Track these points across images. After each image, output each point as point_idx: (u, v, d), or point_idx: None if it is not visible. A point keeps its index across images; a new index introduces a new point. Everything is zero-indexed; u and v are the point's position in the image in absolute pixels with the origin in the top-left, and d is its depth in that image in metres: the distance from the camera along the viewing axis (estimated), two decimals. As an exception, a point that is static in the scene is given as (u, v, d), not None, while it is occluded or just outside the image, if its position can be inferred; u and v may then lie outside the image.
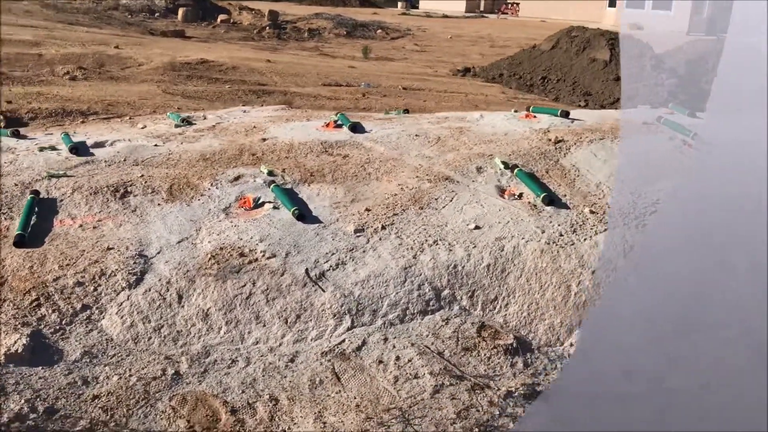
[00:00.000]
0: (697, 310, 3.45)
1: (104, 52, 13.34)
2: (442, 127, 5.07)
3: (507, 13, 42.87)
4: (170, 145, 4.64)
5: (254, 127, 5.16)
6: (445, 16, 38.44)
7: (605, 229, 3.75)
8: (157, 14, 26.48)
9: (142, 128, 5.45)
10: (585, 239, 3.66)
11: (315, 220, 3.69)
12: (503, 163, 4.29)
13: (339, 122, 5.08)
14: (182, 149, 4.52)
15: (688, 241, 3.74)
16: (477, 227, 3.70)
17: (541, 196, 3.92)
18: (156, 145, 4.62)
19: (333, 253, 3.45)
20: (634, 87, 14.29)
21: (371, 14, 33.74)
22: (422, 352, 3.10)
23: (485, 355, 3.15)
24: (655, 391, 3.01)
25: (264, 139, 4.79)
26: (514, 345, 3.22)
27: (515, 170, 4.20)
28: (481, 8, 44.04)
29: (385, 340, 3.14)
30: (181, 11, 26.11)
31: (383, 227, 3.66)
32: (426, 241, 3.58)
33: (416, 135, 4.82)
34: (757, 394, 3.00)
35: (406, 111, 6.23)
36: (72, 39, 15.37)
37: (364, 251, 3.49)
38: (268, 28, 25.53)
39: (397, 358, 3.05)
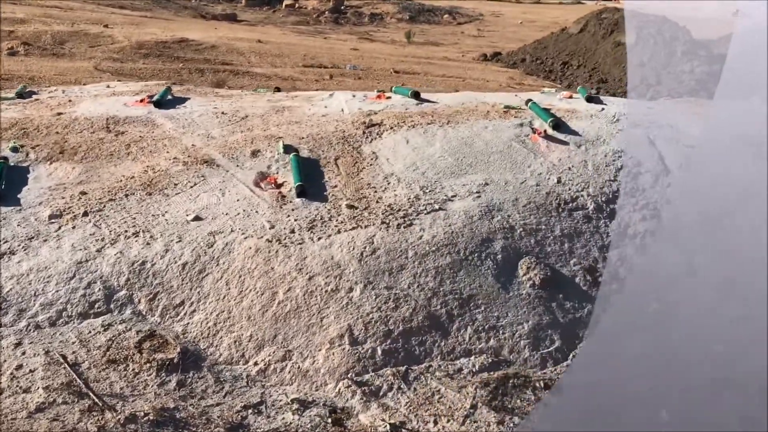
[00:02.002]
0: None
1: (86, 30, 13.53)
2: (269, 106, 4.66)
3: (611, -1, 40.40)
4: (-50, 117, 4.45)
5: (70, 101, 4.91)
6: (537, 2, 36.60)
7: (352, 228, 3.26)
8: (221, -2, 26.71)
9: (-22, 101, 5.30)
10: (320, 238, 3.20)
11: (15, 201, 3.38)
12: (285, 147, 3.85)
13: (154, 97, 4.75)
14: (-49, 121, 4.32)
15: (447, 251, 3.22)
16: (197, 218, 3.30)
17: (294, 186, 3.47)
18: (-69, 117, 4.44)
19: (6, 241, 3.14)
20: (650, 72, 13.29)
21: (457, -1, 32.39)
22: (53, 363, 2.74)
23: (133, 370, 2.77)
24: None
25: (59, 114, 4.53)
26: (176, 360, 2.81)
27: (291, 156, 3.75)
28: (583, -6, 41.45)
29: (17, 345, 2.80)
30: (244, -6, 26.33)
31: (86, 213, 3.31)
32: (126, 231, 3.22)
33: (223, 113, 4.43)
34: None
35: (278, 89, 5.83)
36: (70, 18, 15.72)
37: (45, 240, 3.16)
38: (327, 12, 25.58)
39: (19, 368, 2.71)
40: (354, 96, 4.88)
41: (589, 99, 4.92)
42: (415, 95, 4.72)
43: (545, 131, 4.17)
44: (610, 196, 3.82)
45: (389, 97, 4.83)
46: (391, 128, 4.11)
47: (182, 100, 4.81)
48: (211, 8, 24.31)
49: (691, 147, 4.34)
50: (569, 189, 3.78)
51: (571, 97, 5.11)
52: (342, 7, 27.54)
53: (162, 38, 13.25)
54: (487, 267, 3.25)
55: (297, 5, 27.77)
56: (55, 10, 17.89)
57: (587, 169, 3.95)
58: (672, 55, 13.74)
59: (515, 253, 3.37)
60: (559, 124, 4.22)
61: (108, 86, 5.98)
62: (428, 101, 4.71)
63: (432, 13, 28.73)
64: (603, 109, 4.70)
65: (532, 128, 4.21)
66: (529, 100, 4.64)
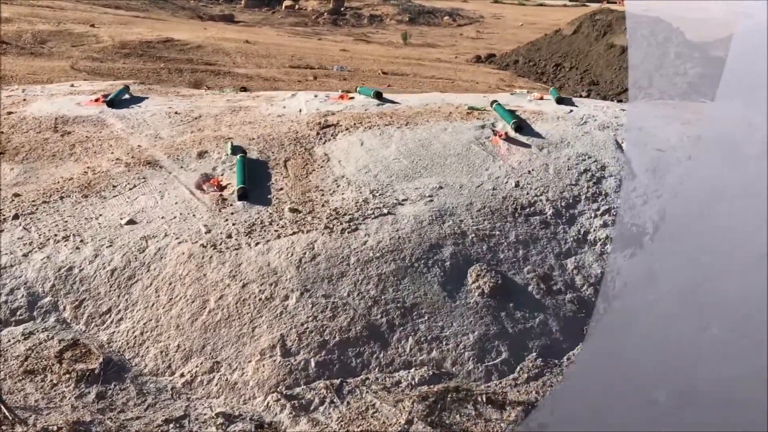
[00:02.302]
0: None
1: (70, 30, 13.43)
2: (226, 106, 4.55)
3: (615, 2, 39.89)
4: None
5: (25, 99, 4.80)
6: (541, 5, 36.07)
7: (293, 233, 3.14)
8: (221, -1, 26.49)
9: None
10: (257, 243, 3.08)
11: (-58, 205, 3.27)
12: (234, 148, 3.74)
13: (109, 96, 4.64)
14: None
15: (392, 258, 3.11)
16: (131, 222, 3.18)
17: (236, 189, 3.36)
18: None
19: (-72, 245, 3.02)
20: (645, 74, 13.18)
21: (461, 1, 31.75)
22: (-35, 373, 2.62)
23: (51, 381, 2.65)
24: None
25: (9, 113, 4.41)
26: (97, 371, 2.69)
27: (237, 157, 3.64)
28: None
29: (-70, 354, 2.68)
30: (244, -4, 26.13)
31: (16, 216, 3.20)
32: (56, 235, 3.10)
33: (176, 113, 4.32)
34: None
35: (243, 89, 5.72)
36: (57, 18, 15.62)
37: (-30, 244, 3.04)
38: (325, 14, 25.49)
39: (-72, 379, 2.59)
40: (316, 96, 4.77)
41: (560, 101, 4.81)
42: (378, 96, 4.61)
43: (506, 133, 4.05)
44: (571, 201, 3.70)
45: (352, 98, 4.71)
46: (347, 129, 4.00)
47: (139, 100, 4.70)
48: (210, 9, 24.24)
49: (661, 151, 4.23)
50: (527, 193, 3.66)
51: (542, 98, 5.00)
52: (342, 9, 27.43)
53: (147, 38, 13.15)
54: (434, 274, 3.13)
55: (297, 7, 27.65)
56: (45, 9, 17.79)
57: (548, 172, 3.83)
58: (665, 57, 13.60)
59: (465, 259, 3.25)
60: (521, 126, 4.11)
61: (72, 85, 5.88)
62: (391, 102, 4.60)
63: (432, 14, 28.62)
64: (571, 111, 4.59)
65: (493, 130, 4.09)
66: (494, 101, 4.52)
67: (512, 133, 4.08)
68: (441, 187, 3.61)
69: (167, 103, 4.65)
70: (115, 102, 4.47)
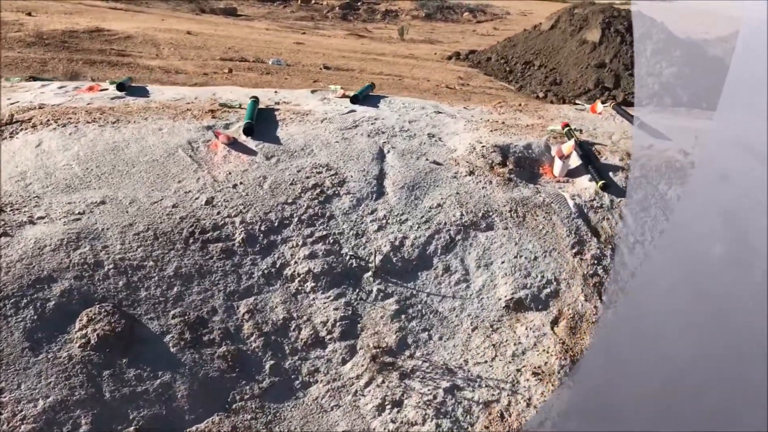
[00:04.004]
0: None
1: (2, 18, 13.03)
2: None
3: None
4: None
5: None
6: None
7: None
8: (236, -8, 26.09)
9: None
10: None
11: None
12: None
13: None
14: None
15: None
16: None
17: None
18: None
19: None
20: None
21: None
22: None
23: None
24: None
25: None
26: None
27: None
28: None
29: None
30: (257, -11, 25.72)
31: None
32: None
33: None
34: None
35: (33, 78, 5.14)
36: (7, 7, 15.23)
37: None
38: (337, 8, 25.06)
39: None
40: (61, 87, 4.15)
41: (354, 99, 4.13)
42: (120, 87, 3.97)
43: (228, 136, 3.39)
44: (276, 224, 3.03)
45: (105, 89, 4.09)
46: (34, 126, 3.37)
47: None
48: (215, 3, 23.89)
49: (437, 164, 3.53)
50: (217, 213, 3.00)
51: (344, 95, 4.33)
52: (358, 3, 26.95)
53: (74, 28, 12.67)
54: (23, 318, 2.48)
55: (313, 0, 27.23)
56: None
57: (261, 188, 3.16)
58: (639, 54, 12.71)
59: (84, 299, 2.60)
60: (251, 129, 3.44)
61: None
62: (143, 95, 3.97)
63: (452, 10, 28.05)
64: (352, 111, 3.91)
65: (215, 133, 3.43)
66: (254, 96, 3.86)
67: (242, 137, 3.42)
68: (103, 203, 2.96)
69: None
70: None
